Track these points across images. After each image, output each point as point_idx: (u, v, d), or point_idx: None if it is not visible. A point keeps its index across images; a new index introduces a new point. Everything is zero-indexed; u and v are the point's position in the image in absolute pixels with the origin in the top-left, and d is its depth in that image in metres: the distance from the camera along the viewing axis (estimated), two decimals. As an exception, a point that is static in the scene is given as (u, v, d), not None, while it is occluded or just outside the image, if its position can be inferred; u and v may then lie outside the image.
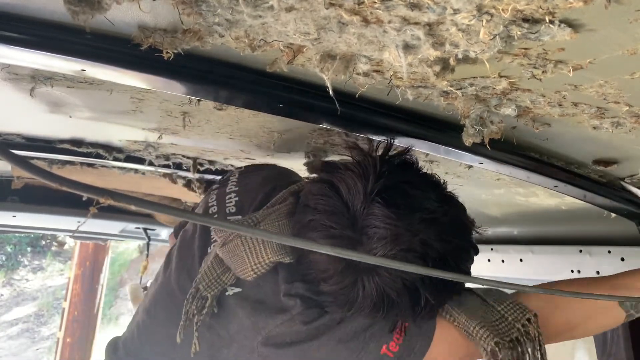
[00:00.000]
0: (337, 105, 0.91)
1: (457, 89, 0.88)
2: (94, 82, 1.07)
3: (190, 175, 1.92)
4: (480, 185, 1.65)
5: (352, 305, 1.05)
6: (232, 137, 1.45)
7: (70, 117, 1.37)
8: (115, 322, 12.30)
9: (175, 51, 0.79)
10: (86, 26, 0.68)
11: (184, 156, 1.83)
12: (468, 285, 1.27)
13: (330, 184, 1.04)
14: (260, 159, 1.74)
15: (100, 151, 1.74)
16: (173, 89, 0.95)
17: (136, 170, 1.96)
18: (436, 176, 1.14)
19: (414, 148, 1.13)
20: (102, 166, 1.91)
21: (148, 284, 2.36)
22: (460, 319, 1.18)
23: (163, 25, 0.76)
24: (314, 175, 1.16)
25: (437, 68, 0.74)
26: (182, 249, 1.29)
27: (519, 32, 0.63)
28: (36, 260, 16.93)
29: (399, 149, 1.11)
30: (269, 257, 1.12)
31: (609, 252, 1.68)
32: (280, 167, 1.42)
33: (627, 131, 0.96)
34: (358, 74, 0.86)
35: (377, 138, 1.11)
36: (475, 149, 1.06)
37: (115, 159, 1.79)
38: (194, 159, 1.85)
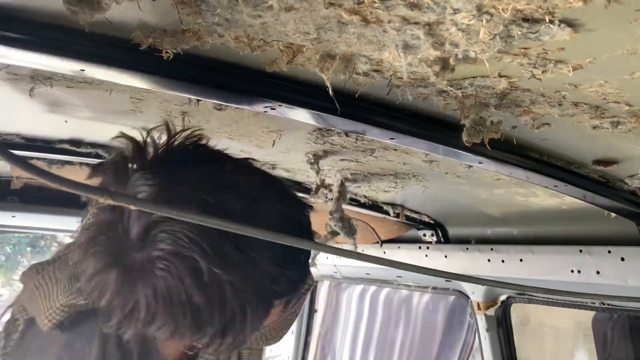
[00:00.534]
0: (336, 105, 0.91)
1: (456, 89, 0.88)
2: (94, 82, 1.07)
3: (190, 175, 1.92)
4: (480, 186, 1.65)
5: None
6: (231, 137, 1.45)
7: (68, 118, 1.36)
8: (115, 322, 12.27)
9: (175, 51, 0.79)
10: (85, 26, 0.68)
11: (183, 156, 1.82)
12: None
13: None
14: (260, 158, 1.74)
15: (100, 151, 1.74)
16: (172, 89, 0.94)
17: (136, 171, 1.95)
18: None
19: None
20: (102, 166, 1.91)
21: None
22: None
23: (162, 25, 0.76)
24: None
25: (437, 68, 0.74)
26: None
27: (518, 32, 0.63)
28: (36, 260, 16.93)
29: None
30: (59, 300, 0.99)
31: (609, 252, 1.68)
32: None
33: (627, 131, 0.96)
34: (358, 73, 0.86)
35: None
36: (475, 149, 1.06)
37: (115, 159, 1.79)
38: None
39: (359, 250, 2.59)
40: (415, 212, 2.25)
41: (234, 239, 0.85)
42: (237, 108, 1.15)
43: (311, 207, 1.11)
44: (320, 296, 3.79)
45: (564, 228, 1.86)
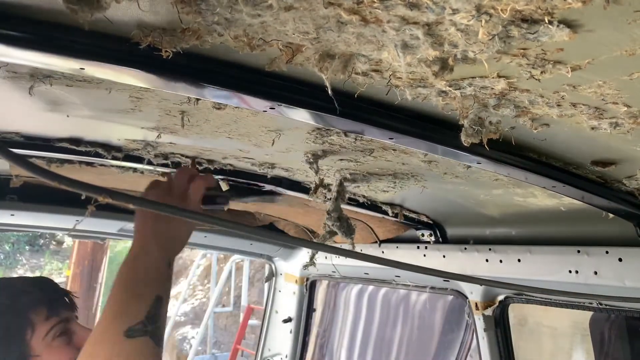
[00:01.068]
0: (336, 104, 0.91)
1: (455, 89, 0.88)
2: (93, 81, 1.07)
3: (189, 174, 1.92)
4: (479, 186, 1.65)
5: None
6: (230, 136, 1.45)
7: (68, 116, 1.36)
8: (114, 321, 12.25)
9: (174, 50, 0.79)
10: (85, 25, 0.68)
11: (182, 155, 1.82)
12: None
13: None
14: (259, 158, 1.74)
15: (99, 150, 1.74)
16: (172, 88, 0.95)
17: (135, 169, 1.95)
18: None
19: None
20: (101, 165, 1.91)
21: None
22: None
23: (162, 24, 0.76)
24: None
25: (436, 68, 0.75)
26: None
27: (517, 33, 0.63)
28: (34, 259, 16.91)
29: None
30: None
31: (607, 252, 1.68)
32: None
33: (625, 132, 0.97)
34: (357, 73, 0.86)
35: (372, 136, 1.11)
36: (474, 149, 1.07)
37: (114, 158, 1.79)
38: (193, 158, 1.84)
39: (358, 249, 2.60)
40: (414, 212, 2.25)
41: None
42: (236, 107, 1.15)
43: None
44: (318, 295, 3.79)
45: (562, 228, 1.86)
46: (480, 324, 2.26)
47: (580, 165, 1.25)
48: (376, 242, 2.62)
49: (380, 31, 0.69)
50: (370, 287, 3.99)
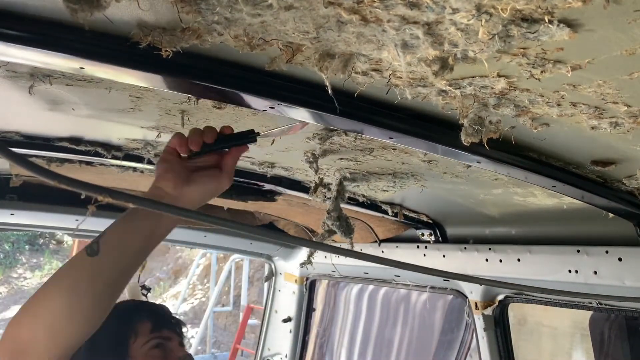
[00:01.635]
0: (336, 104, 0.91)
1: (455, 89, 0.88)
2: (93, 80, 1.07)
3: (188, 173, 1.92)
4: (479, 185, 1.66)
5: None
6: (230, 135, 1.45)
7: (73, 109, 1.36)
8: (113, 320, 12.26)
9: (174, 49, 0.79)
10: (85, 24, 0.68)
11: (182, 155, 1.82)
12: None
13: None
14: (259, 157, 1.74)
15: (99, 149, 1.74)
16: (172, 88, 0.95)
17: (135, 169, 1.95)
18: None
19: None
20: (101, 164, 1.91)
21: (146, 283, 2.36)
22: None
23: (162, 24, 0.76)
24: None
25: (436, 67, 0.75)
26: None
27: (517, 32, 0.63)
28: (34, 259, 16.91)
29: None
30: None
31: (607, 252, 1.68)
32: None
33: (625, 131, 0.97)
34: (357, 72, 0.86)
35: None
36: (474, 149, 1.07)
37: (114, 157, 1.79)
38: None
39: (357, 249, 2.60)
40: (414, 211, 2.25)
41: None
42: (236, 107, 1.15)
43: None
44: (318, 295, 3.79)
45: (562, 228, 1.86)
46: (480, 323, 2.26)
47: (580, 164, 1.25)
48: (376, 241, 2.62)
49: (380, 30, 0.69)
50: (370, 287, 3.99)
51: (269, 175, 1.93)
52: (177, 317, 1.85)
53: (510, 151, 1.16)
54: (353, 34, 0.71)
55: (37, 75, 1.08)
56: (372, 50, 0.76)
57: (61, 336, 1.01)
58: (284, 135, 1.31)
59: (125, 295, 1.67)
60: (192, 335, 9.60)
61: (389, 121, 1.06)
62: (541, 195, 1.61)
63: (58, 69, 0.92)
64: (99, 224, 2.71)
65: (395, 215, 2.20)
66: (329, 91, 0.83)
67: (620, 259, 1.65)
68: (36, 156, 1.78)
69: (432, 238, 2.35)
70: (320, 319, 4.12)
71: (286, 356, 3.39)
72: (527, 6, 0.58)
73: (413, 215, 2.28)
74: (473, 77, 0.83)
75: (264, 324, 3.54)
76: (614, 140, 1.05)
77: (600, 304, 1.83)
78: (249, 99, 0.97)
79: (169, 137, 1.53)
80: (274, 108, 0.99)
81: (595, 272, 1.71)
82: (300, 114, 1.01)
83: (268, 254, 3.36)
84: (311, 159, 1.56)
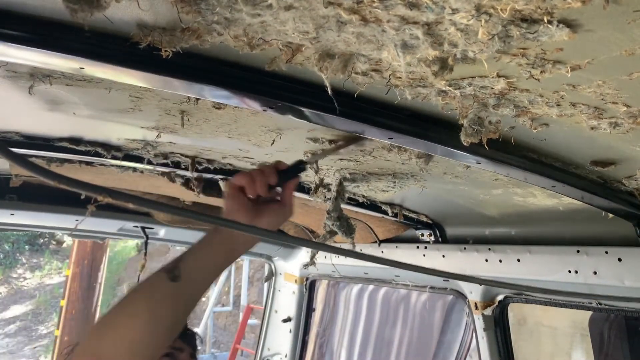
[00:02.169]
0: (335, 104, 0.91)
1: (455, 89, 0.88)
2: (93, 80, 1.07)
3: (188, 174, 1.92)
4: (478, 186, 1.66)
5: None
6: (230, 136, 1.45)
7: (74, 113, 1.36)
8: (113, 320, 12.27)
9: (174, 49, 0.79)
10: (85, 24, 0.68)
11: (182, 155, 1.82)
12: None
13: None
14: (259, 157, 1.74)
15: (99, 149, 1.74)
16: (172, 88, 0.95)
17: (134, 169, 1.95)
18: None
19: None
20: (101, 164, 1.91)
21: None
22: None
23: (162, 24, 0.76)
24: None
25: (436, 67, 0.75)
26: None
27: (517, 32, 0.63)
28: (34, 259, 16.91)
29: None
30: None
31: (606, 252, 1.69)
32: None
33: (624, 132, 0.97)
34: (357, 73, 0.86)
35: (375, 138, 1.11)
36: (473, 149, 1.07)
37: (114, 158, 1.79)
38: (193, 158, 1.84)
39: (357, 249, 2.60)
40: (414, 211, 2.25)
41: None
42: (236, 107, 1.15)
43: None
44: (318, 295, 3.79)
45: (562, 228, 1.86)
46: (479, 323, 2.26)
47: (579, 165, 1.25)
48: (376, 241, 2.62)
49: (380, 31, 0.69)
50: (370, 287, 3.99)
51: (268, 176, 1.93)
52: (192, 329, 1.87)
53: (510, 151, 1.16)
54: (353, 34, 0.71)
55: (37, 76, 1.08)
56: (372, 50, 0.76)
57: (140, 354, 1.04)
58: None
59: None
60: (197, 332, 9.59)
61: (388, 121, 1.06)
62: (541, 196, 1.61)
63: (58, 69, 0.92)
64: (99, 224, 2.73)
65: (395, 215, 2.20)
66: (329, 91, 0.83)
67: (619, 259, 1.65)
68: (36, 156, 1.78)
69: (432, 238, 2.35)
70: (320, 319, 4.12)
71: (286, 356, 3.39)
72: (527, 6, 0.58)
73: (413, 215, 2.28)
74: (473, 77, 0.83)
75: (263, 324, 3.54)
76: (613, 140, 1.05)
77: (600, 304, 1.83)
78: (249, 99, 0.97)
79: (169, 137, 1.54)
80: (273, 108, 0.99)
81: (595, 273, 1.71)
82: (300, 114, 1.01)
83: (268, 254, 3.36)
84: (311, 159, 1.56)
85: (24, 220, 2.57)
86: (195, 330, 2.23)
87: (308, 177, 1.89)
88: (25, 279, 16.10)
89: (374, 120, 1.05)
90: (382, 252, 2.59)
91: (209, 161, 1.88)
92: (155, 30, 0.77)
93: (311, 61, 0.82)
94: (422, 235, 2.38)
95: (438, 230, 2.35)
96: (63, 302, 8.60)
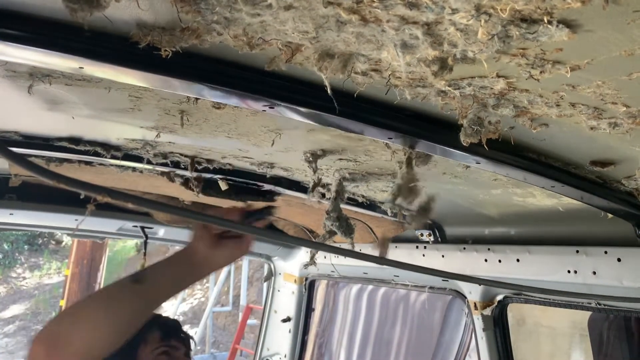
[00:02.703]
0: (335, 104, 0.91)
1: (454, 89, 0.88)
2: (92, 80, 1.07)
3: (188, 173, 1.92)
4: (478, 186, 1.66)
5: None
6: (230, 135, 1.45)
7: (73, 118, 1.37)
8: (112, 320, 12.27)
9: (174, 49, 0.79)
10: (84, 24, 0.68)
11: (181, 155, 1.82)
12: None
13: None
14: (258, 157, 1.74)
15: (98, 149, 1.73)
16: (171, 87, 0.94)
17: (134, 169, 1.95)
18: None
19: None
20: (100, 164, 1.91)
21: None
22: None
23: (161, 23, 0.76)
24: None
25: (435, 67, 0.75)
26: None
27: (517, 32, 0.63)
28: (33, 258, 16.90)
29: None
30: None
31: (606, 252, 1.69)
32: None
33: (624, 132, 0.97)
34: (356, 73, 0.86)
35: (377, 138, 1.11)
36: (473, 149, 1.07)
37: (113, 157, 1.79)
38: (192, 158, 1.84)
39: (357, 249, 2.59)
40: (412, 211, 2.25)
41: None
42: (235, 107, 1.15)
43: None
44: (317, 295, 3.79)
45: (561, 228, 1.86)
46: (479, 323, 2.27)
47: (579, 165, 1.25)
48: (375, 241, 2.61)
49: (379, 31, 0.69)
50: (369, 287, 4.00)
51: (268, 176, 1.93)
52: (187, 332, 2.03)
53: (510, 151, 1.16)
54: (352, 34, 0.71)
55: (36, 75, 1.08)
56: (372, 50, 0.76)
57: (94, 343, 1.17)
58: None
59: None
60: (192, 335, 9.60)
61: (388, 121, 1.06)
62: (540, 196, 1.61)
63: (57, 69, 0.92)
64: (99, 224, 2.73)
65: (395, 215, 2.20)
66: (329, 91, 0.83)
67: (619, 260, 1.65)
68: (35, 156, 1.77)
69: (431, 238, 2.35)
70: (320, 319, 4.12)
71: (285, 356, 3.39)
72: (527, 7, 0.58)
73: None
74: (472, 77, 0.83)
75: (263, 324, 3.54)
76: (613, 140, 1.05)
77: (599, 304, 1.83)
78: (249, 98, 0.97)
79: (168, 136, 1.54)
80: (273, 108, 0.99)
81: (594, 273, 1.71)
82: (300, 114, 1.01)
83: (267, 254, 3.36)
84: (310, 159, 1.56)
85: (23, 219, 2.57)
86: (194, 330, 2.30)
87: (307, 177, 1.89)
88: (24, 278, 16.09)
89: (373, 120, 1.05)
90: (382, 252, 2.59)
91: (209, 161, 1.88)
92: (155, 29, 0.77)
93: (311, 61, 0.82)
94: (422, 235, 2.38)
95: (437, 230, 2.35)
96: (62, 302, 8.60)
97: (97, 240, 7.69)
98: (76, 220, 2.42)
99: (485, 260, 2.07)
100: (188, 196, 2.38)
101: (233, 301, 11.03)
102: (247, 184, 2.06)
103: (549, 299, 2.04)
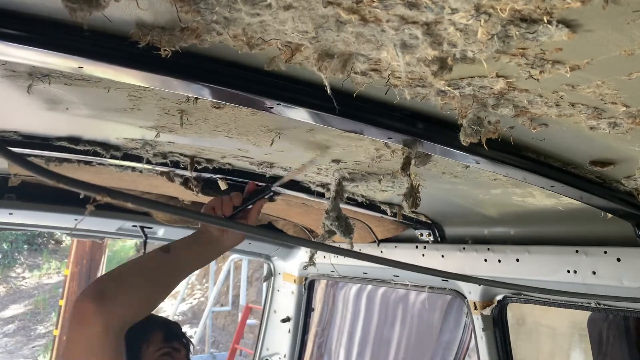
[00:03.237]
0: (335, 104, 0.91)
1: (454, 89, 0.88)
2: (92, 80, 1.07)
3: (187, 173, 1.92)
4: (478, 186, 1.66)
5: None
6: (229, 135, 1.45)
7: (67, 108, 1.36)
8: (112, 320, 12.25)
9: (173, 49, 0.79)
10: (84, 23, 0.68)
11: (181, 154, 1.82)
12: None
13: None
14: (258, 157, 1.74)
15: (98, 149, 1.73)
16: (171, 87, 0.94)
17: (133, 169, 1.95)
18: None
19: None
20: (100, 164, 1.91)
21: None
22: None
23: (161, 23, 0.76)
24: None
25: (435, 67, 0.75)
26: None
27: (516, 32, 0.63)
28: (33, 258, 16.90)
29: None
30: None
31: (605, 252, 1.69)
32: None
33: (624, 132, 0.97)
34: (356, 73, 0.86)
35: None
36: (473, 149, 1.07)
37: (113, 157, 1.79)
38: (192, 158, 1.84)
39: (356, 249, 2.60)
40: (413, 211, 2.25)
41: None
42: (235, 107, 1.15)
43: None
44: (317, 295, 3.79)
45: (561, 228, 1.86)
46: (478, 323, 2.27)
47: (578, 165, 1.25)
48: (375, 241, 2.62)
49: (379, 30, 0.69)
50: (369, 287, 4.00)
51: (267, 175, 1.93)
52: (187, 336, 2.12)
53: (509, 151, 1.16)
54: (352, 34, 0.71)
55: (35, 75, 1.08)
56: (371, 50, 0.76)
57: (134, 304, 1.31)
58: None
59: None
60: (191, 335, 9.60)
61: (388, 121, 1.06)
62: (540, 196, 1.61)
63: (57, 69, 0.92)
64: (98, 224, 2.73)
65: (394, 215, 2.20)
66: (328, 91, 0.83)
67: (618, 259, 1.65)
68: (35, 156, 1.77)
69: (431, 238, 2.36)
70: (319, 318, 4.12)
71: (285, 356, 3.39)
72: (526, 6, 0.58)
73: (412, 215, 2.28)
74: (472, 77, 0.83)
75: (262, 324, 3.54)
76: (612, 140, 1.05)
77: (599, 304, 1.83)
78: (248, 98, 0.97)
79: (167, 136, 1.54)
80: (272, 108, 0.99)
81: (594, 273, 1.71)
82: (299, 113, 1.01)
83: (267, 254, 3.36)
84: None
85: (22, 219, 2.57)
86: (194, 330, 2.36)
87: (307, 176, 1.89)
88: (24, 278, 16.09)
89: (373, 119, 1.05)
90: (381, 251, 2.59)
91: (208, 161, 1.88)
92: (155, 29, 0.77)
93: (310, 61, 0.82)
94: (421, 235, 2.38)
95: (437, 230, 2.35)
96: (62, 302, 8.59)
97: (96, 240, 7.68)
98: (76, 220, 2.42)
99: (485, 260, 2.07)
100: (187, 196, 2.38)
101: (232, 301, 11.03)
102: (246, 183, 2.05)
103: (549, 299, 2.04)
